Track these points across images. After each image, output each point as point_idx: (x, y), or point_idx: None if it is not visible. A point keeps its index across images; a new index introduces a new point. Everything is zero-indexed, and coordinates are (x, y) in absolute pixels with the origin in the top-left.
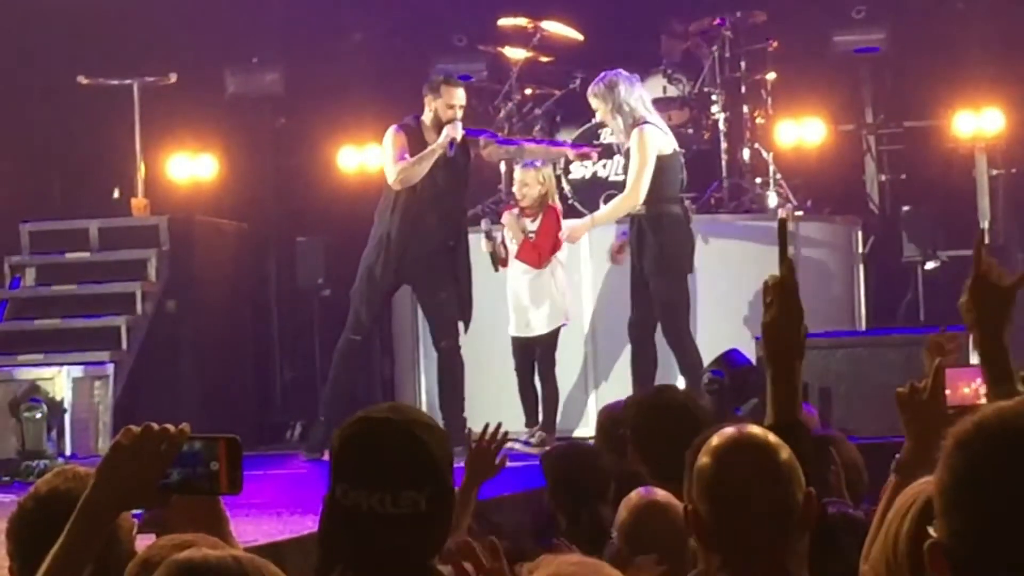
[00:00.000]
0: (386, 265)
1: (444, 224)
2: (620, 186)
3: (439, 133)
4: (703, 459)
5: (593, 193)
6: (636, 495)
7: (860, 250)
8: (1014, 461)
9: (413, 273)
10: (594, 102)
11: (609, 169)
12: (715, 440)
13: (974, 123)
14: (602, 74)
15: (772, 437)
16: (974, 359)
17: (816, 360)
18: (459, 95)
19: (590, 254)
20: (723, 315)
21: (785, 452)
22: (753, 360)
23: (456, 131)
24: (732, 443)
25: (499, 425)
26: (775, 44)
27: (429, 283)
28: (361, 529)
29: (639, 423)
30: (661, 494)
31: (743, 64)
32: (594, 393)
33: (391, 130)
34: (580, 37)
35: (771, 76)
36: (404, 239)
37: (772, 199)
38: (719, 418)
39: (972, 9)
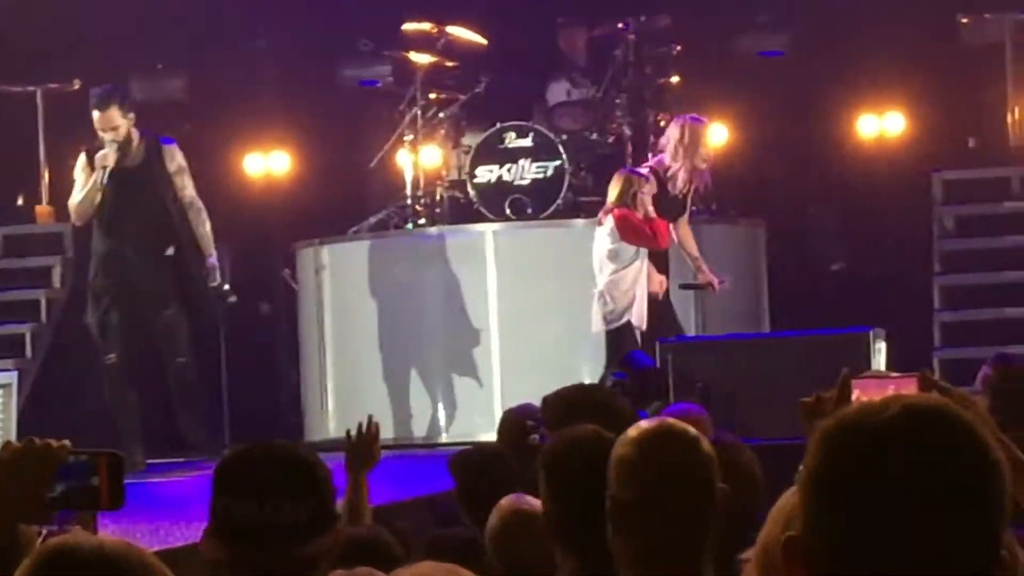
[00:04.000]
0: (104, 294)
1: (144, 245)
2: (525, 190)
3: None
4: (626, 448)
5: (499, 198)
6: (507, 501)
7: (764, 252)
8: (870, 459)
9: (130, 299)
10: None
11: (514, 174)
12: (634, 431)
13: (876, 125)
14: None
15: (692, 429)
16: (881, 366)
17: (719, 362)
18: (96, 119)
19: (495, 259)
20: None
21: (706, 444)
22: (656, 362)
23: (106, 159)
24: (656, 431)
25: (371, 417)
26: (679, 48)
27: (150, 304)
28: (244, 540)
29: (556, 421)
30: (530, 501)
31: (647, 68)
32: (500, 397)
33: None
34: (484, 42)
35: (675, 80)
36: (108, 269)
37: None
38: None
39: (874, 13)
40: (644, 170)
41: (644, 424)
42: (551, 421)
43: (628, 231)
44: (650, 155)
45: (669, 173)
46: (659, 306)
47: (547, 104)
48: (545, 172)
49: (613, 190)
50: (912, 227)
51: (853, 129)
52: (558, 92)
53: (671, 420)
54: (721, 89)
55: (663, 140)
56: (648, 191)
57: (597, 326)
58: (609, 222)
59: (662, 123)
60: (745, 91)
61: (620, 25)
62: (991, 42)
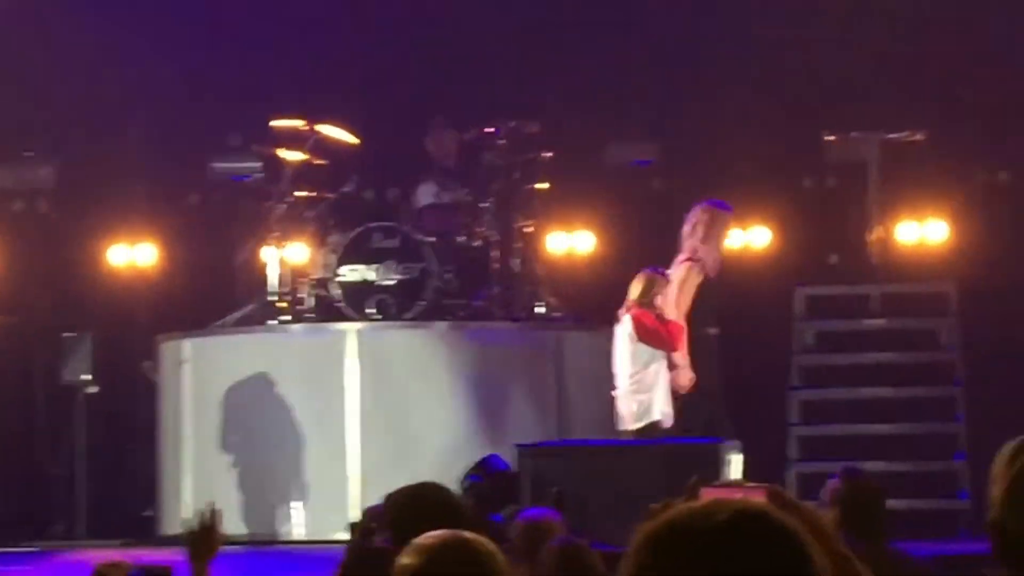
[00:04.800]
0: None
1: None
2: (389, 291)
3: None
4: (411, 558)
5: (363, 297)
6: None
7: None
8: (697, 562)
9: None
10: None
11: (380, 274)
12: (424, 539)
13: (741, 238)
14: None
15: (489, 544)
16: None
17: (575, 467)
18: None
19: (357, 358)
20: (488, 422)
21: (501, 558)
22: (512, 467)
23: None
24: (447, 542)
25: (211, 505)
26: (549, 155)
27: None
28: None
29: (398, 519)
30: None
31: (516, 173)
32: (359, 497)
33: None
34: (355, 141)
35: (543, 186)
36: None
37: (542, 308)
38: (475, 522)
39: (742, 126)
40: (690, 266)
41: (435, 534)
42: (393, 521)
43: (643, 331)
44: (516, 258)
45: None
46: (689, 403)
47: (415, 206)
48: (410, 273)
49: (635, 288)
50: (772, 340)
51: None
52: (426, 194)
53: (465, 533)
54: (589, 197)
55: (687, 229)
56: (666, 292)
57: (625, 425)
58: (627, 322)
59: (528, 228)
60: (613, 199)
61: (490, 130)
62: (856, 160)
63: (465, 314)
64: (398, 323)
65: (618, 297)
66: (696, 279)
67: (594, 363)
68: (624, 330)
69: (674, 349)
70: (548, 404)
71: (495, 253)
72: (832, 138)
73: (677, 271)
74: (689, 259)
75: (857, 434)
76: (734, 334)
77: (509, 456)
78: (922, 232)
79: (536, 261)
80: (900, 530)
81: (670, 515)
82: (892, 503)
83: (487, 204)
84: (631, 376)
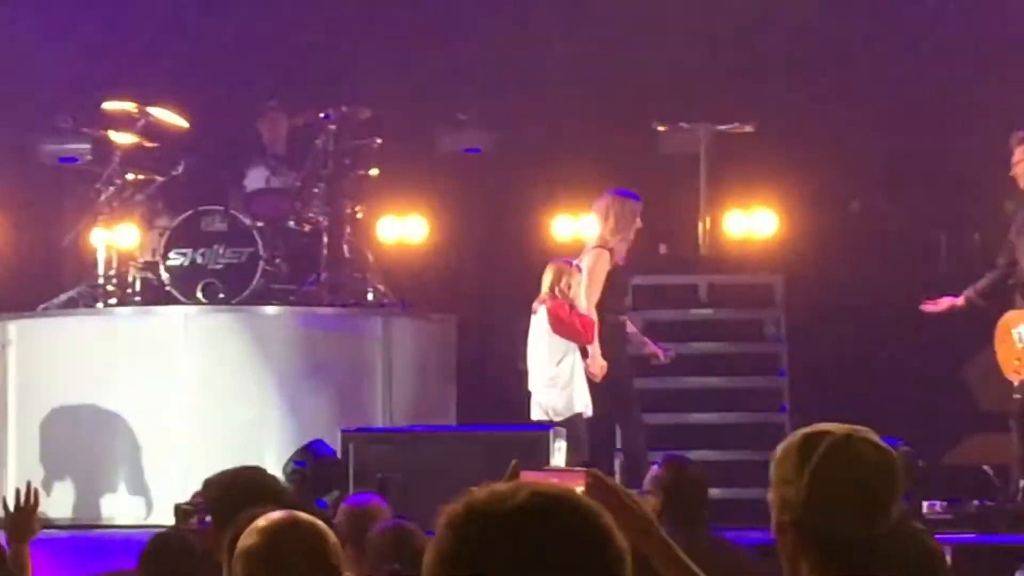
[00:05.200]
0: None
1: None
2: (218, 275)
3: None
4: (252, 539)
5: (191, 281)
6: None
7: (455, 347)
8: (497, 542)
9: None
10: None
11: (208, 258)
12: (262, 522)
13: (572, 227)
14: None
15: (320, 523)
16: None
17: (400, 454)
18: None
19: (185, 342)
20: (315, 407)
21: (333, 537)
22: (337, 452)
23: None
24: (283, 522)
25: (29, 485)
26: (380, 141)
27: None
28: None
29: (217, 502)
30: None
31: (347, 159)
32: (186, 480)
33: None
34: (186, 124)
35: (374, 172)
36: None
37: (371, 294)
38: (299, 508)
39: (574, 116)
40: (599, 253)
41: (271, 515)
42: (212, 503)
43: (557, 324)
44: (346, 244)
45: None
46: (608, 388)
47: (245, 190)
48: (239, 258)
49: (546, 279)
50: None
51: (549, 230)
52: (257, 178)
53: (297, 513)
54: (421, 184)
55: (596, 218)
56: (577, 281)
57: (539, 415)
58: (542, 313)
59: (359, 214)
60: (445, 187)
61: (321, 115)
62: (686, 151)
63: (294, 299)
64: (227, 307)
65: (449, 284)
66: (606, 267)
67: (422, 349)
68: (540, 322)
69: (587, 342)
70: (374, 390)
71: (325, 238)
72: (662, 129)
73: (587, 259)
74: (599, 247)
75: (683, 423)
76: None
77: (334, 442)
78: (750, 224)
79: (366, 247)
80: (724, 517)
81: (470, 497)
82: (717, 492)
83: (317, 189)
84: (550, 369)
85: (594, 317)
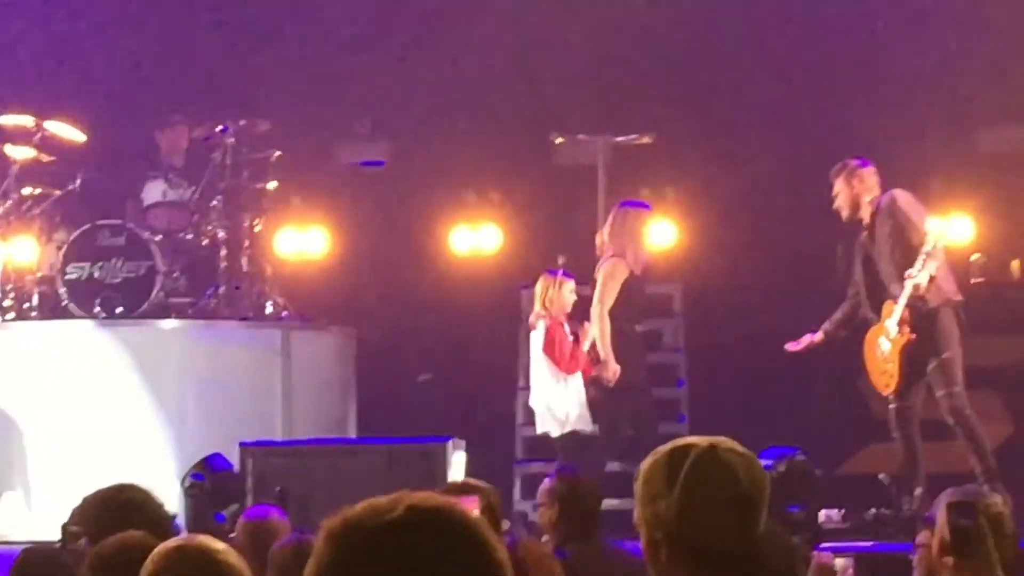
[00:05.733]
0: None
1: None
2: (115, 289)
3: None
4: (148, 564)
5: (89, 295)
6: None
7: (354, 360)
8: (374, 557)
9: None
10: None
11: (106, 272)
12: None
13: (471, 239)
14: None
15: (216, 543)
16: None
17: (299, 467)
18: None
19: (82, 356)
20: (214, 420)
21: (233, 557)
22: (236, 466)
23: None
24: (175, 547)
25: None
26: (278, 154)
27: None
28: None
29: (93, 521)
30: None
31: (245, 172)
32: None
33: None
34: (83, 138)
35: (273, 185)
36: None
37: (269, 307)
38: (200, 522)
39: (472, 127)
40: (616, 262)
41: (174, 540)
42: (87, 521)
43: (548, 345)
44: (245, 257)
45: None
46: (616, 396)
47: (143, 203)
48: (137, 271)
49: (536, 295)
50: (500, 341)
51: (448, 242)
52: (154, 192)
53: (200, 537)
54: (320, 196)
55: (610, 228)
56: (568, 291)
57: (548, 430)
58: (541, 330)
59: (257, 227)
60: (344, 199)
61: (219, 128)
62: (584, 163)
63: (192, 312)
64: (125, 321)
65: (348, 296)
66: (623, 275)
67: (321, 362)
68: (537, 336)
69: (567, 371)
70: (273, 403)
71: (223, 252)
72: (560, 140)
73: (604, 267)
74: (614, 255)
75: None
76: (464, 334)
77: (232, 455)
78: (649, 234)
79: (265, 260)
80: (621, 528)
81: (348, 512)
82: (614, 502)
83: (216, 202)
84: (550, 383)
85: (606, 326)
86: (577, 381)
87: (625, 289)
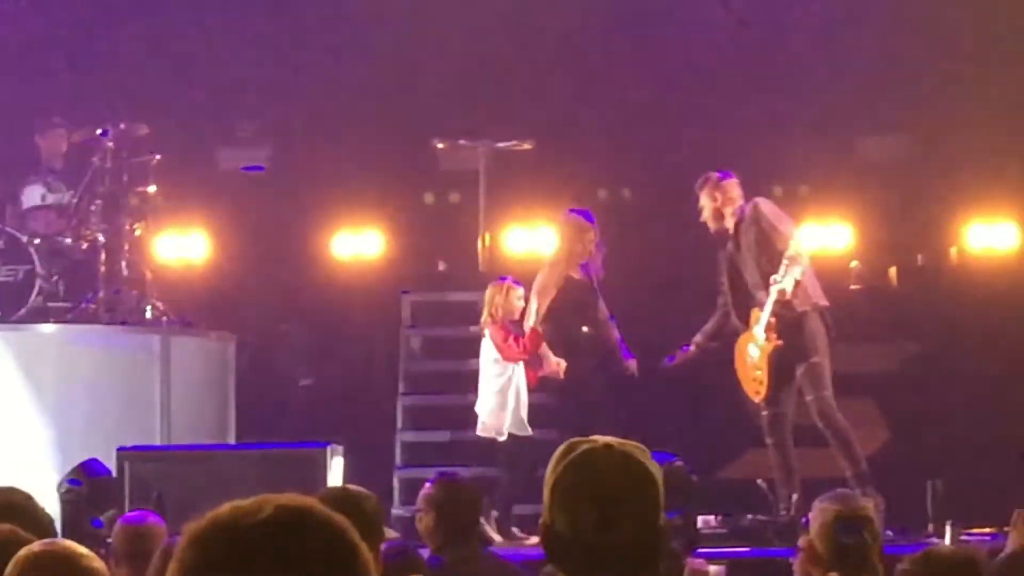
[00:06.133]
0: None
1: None
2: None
3: None
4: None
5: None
6: None
7: (233, 365)
8: (240, 559)
9: None
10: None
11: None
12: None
13: (354, 244)
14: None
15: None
16: (337, 482)
17: (177, 472)
18: None
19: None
20: (92, 425)
21: (96, 562)
22: (113, 471)
23: None
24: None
25: None
26: (158, 158)
27: None
28: None
29: None
30: None
31: (125, 176)
32: None
33: None
34: None
35: (152, 189)
36: None
37: (148, 312)
38: (74, 527)
39: (356, 132)
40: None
41: (36, 544)
42: None
43: (497, 349)
44: (124, 261)
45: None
46: (571, 398)
47: (21, 207)
48: (15, 275)
49: (485, 302)
50: (381, 346)
51: (330, 246)
52: (33, 195)
53: (61, 542)
54: (200, 201)
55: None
56: (516, 297)
57: (490, 435)
58: (488, 335)
59: (137, 231)
60: (225, 204)
61: (99, 131)
62: (466, 168)
63: (71, 317)
64: (2, 326)
65: (228, 302)
66: (552, 281)
67: (201, 367)
68: (486, 344)
69: (509, 359)
70: (152, 408)
71: (103, 256)
72: (442, 146)
73: (539, 274)
74: (550, 262)
75: (463, 440)
76: (345, 339)
77: (110, 460)
78: (532, 240)
79: (144, 265)
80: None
81: (213, 514)
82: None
83: (95, 206)
84: (493, 389)
85: (539, 328)
86: (520, 386)
87: (565, 292)
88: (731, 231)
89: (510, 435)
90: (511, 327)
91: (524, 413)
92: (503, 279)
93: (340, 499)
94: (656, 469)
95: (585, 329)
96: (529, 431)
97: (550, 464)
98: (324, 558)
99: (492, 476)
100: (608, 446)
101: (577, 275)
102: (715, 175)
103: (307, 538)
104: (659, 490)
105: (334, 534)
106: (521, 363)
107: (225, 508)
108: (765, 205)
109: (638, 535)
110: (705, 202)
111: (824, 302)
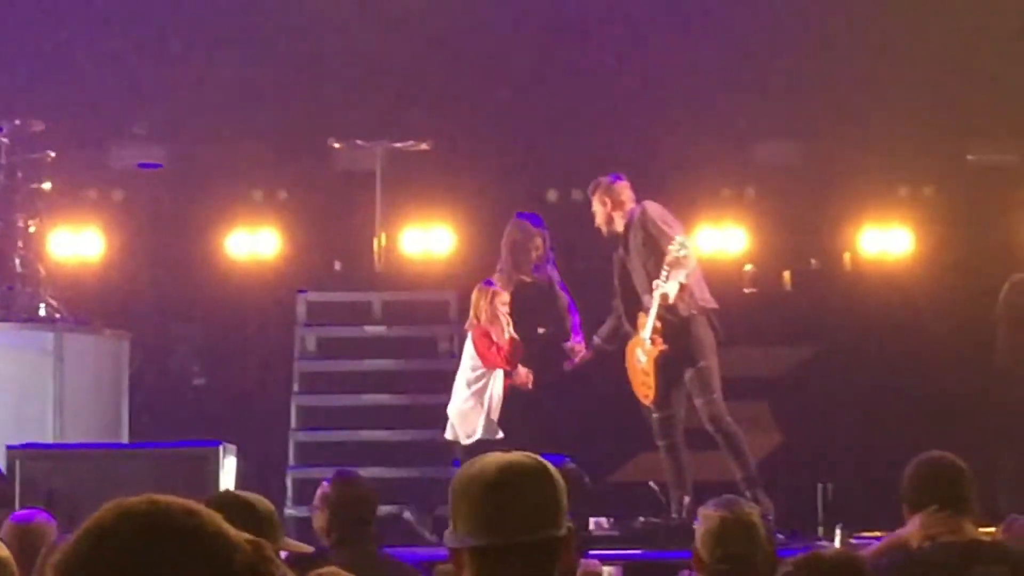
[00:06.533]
0: None
1: None
2: None
3: None
4: None
5: None
6: None
7: (127, 363)
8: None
9: None
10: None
11: None
12: None
13: (250, 244)
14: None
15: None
16: (230, 482)
17: (69, 470)
18: None
19: None
20: None
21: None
22: (3, 469)
23: None
24: None
25: None
26: (53, 154)
27: None
28: None
29: None
30: None
31: (19, 172)
32: None
33: None
34: None
35: (47, 186)
36: None
37: (42, 309)
38: None
39: (250, 132)
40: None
41: None
42: None
43: (480, 352)
44: (17, 258)
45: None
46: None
47: None
48: None
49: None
50: (276, 346)
51: (226, 245)
52: None
53: None
54: (95, 198)
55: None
56: (500, 301)
57: (459, 439)
58: (469, 337)
59: (31, 228)
60: (120, 201)
61: None
62: (363, 168)
63: None
64: None
65: (123, 300)
66: (506, 285)
67: (94, 366)
68: (467, 347)
69: (490, 366)
70: (45, 406)
71: None
72: (338, 146)
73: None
74: (500, 269)
75: (356, 440)
76: (239, 339)
77: (1, 458)
78: (426, 241)
79: (38, 262)
80: (395, 535)
81: (98, 511)
82: (390, 509)
83: None
84: (469, 392)
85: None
86: (495, 392)
87: (519, 299)
88: (621, 234)
89: (480, 440)
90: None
91: (495, 417)
92: (488, 283)
93: (230, 504)
94: (559, 476)
95: (541, 330)
96: (500, 435)
97: (460, 476)
98: (197, 560)
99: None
100: (506, 454)
101: (529, 278)
102: (606, 179)
103: (179, 540)
104: (564, 495)
105: (208, 537)
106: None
107: (108, 505)
108: (652, 208)
109: (543, 538)
110: (597, 207)
111: (712, 305)
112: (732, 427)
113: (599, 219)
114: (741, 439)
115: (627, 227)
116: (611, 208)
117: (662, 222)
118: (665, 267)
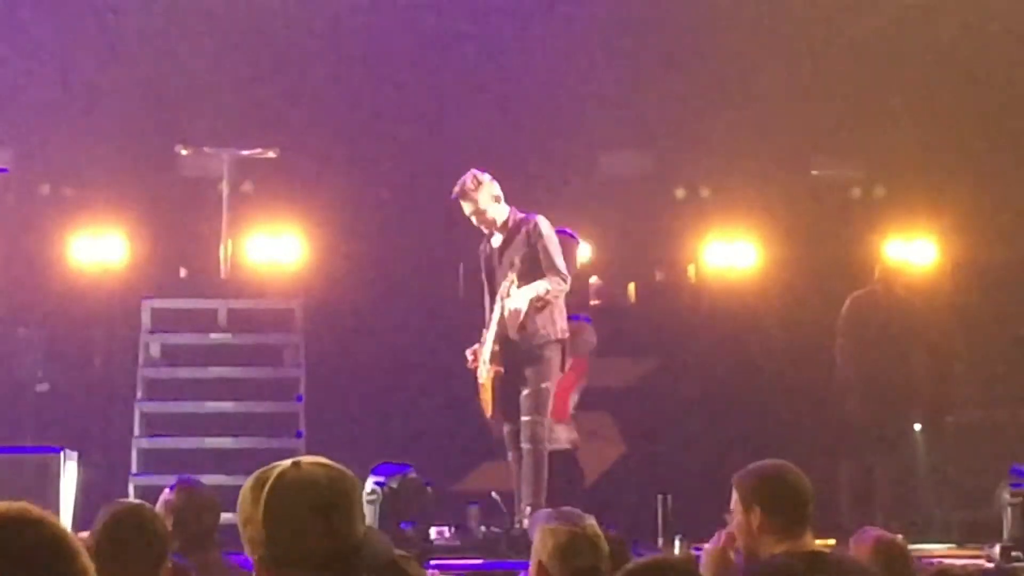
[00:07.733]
0: None
1: None
2: None
3: None
4: None
5: None
6: None
7: None
8: None
9: None
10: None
11: None
12: None
13: (95, 249)
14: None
15: None
16: (71, 488)
17: None
18: None
19: None
20: None
21: None
22: None
23: None
24: None
25: None
26: None
27: None
28: None
29: None
30: None
31: None
32: None
33: None
34: None
35: None
36: None
37: None
38: None
39: (96, 136)
40: None
41: None
42: None
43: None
44: None
45: None
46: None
47: None
48: None
49: None
50: (120, 352)
51: (70, 250)
52: None
53: None
54: None
55: None
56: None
57: None
58: None
59: None
60: None
61: None
62: (209, 175)
63: None
64: None
65: None
66: None
67: None
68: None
69: None
70: None
71: None
72: (185, 152)
73: None
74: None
75: (200, 448)
76: (84, 345)
77: None
78: (273, 249)
79: None
80: (239, 543)
81: None
82: (231, 516)
83: None
84: None
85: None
86: None
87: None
88: (496, 231)
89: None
90: None
91: None
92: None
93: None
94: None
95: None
96: None
97: (245, 495)
98: (34, 563)
99: None
100: (297, 463)
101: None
102: (467, 179)
103: (19, 541)
104: (360, 497)
105: (52, 538)
106: None
107: None
108: (545, 226)
109: (349, 541)
110: (466, 206)
111: (566, 335)
112: (544, 455)
113: (475, 220)
114: (544, 467)
115: (512, 231)
116: (482, 203)
117: (551, 245)
118: (506, 283)
